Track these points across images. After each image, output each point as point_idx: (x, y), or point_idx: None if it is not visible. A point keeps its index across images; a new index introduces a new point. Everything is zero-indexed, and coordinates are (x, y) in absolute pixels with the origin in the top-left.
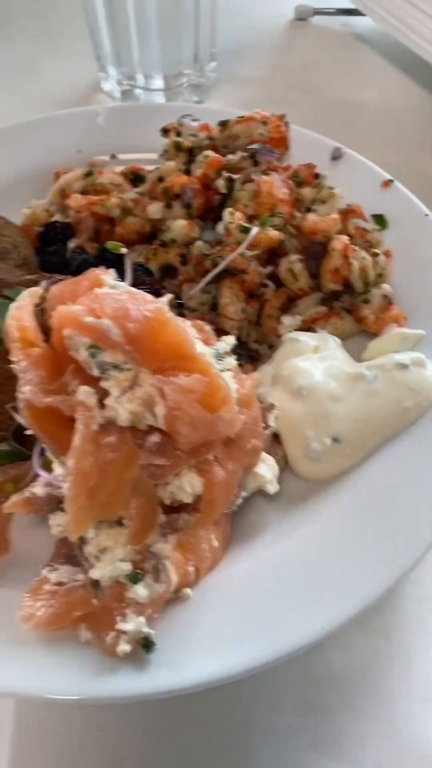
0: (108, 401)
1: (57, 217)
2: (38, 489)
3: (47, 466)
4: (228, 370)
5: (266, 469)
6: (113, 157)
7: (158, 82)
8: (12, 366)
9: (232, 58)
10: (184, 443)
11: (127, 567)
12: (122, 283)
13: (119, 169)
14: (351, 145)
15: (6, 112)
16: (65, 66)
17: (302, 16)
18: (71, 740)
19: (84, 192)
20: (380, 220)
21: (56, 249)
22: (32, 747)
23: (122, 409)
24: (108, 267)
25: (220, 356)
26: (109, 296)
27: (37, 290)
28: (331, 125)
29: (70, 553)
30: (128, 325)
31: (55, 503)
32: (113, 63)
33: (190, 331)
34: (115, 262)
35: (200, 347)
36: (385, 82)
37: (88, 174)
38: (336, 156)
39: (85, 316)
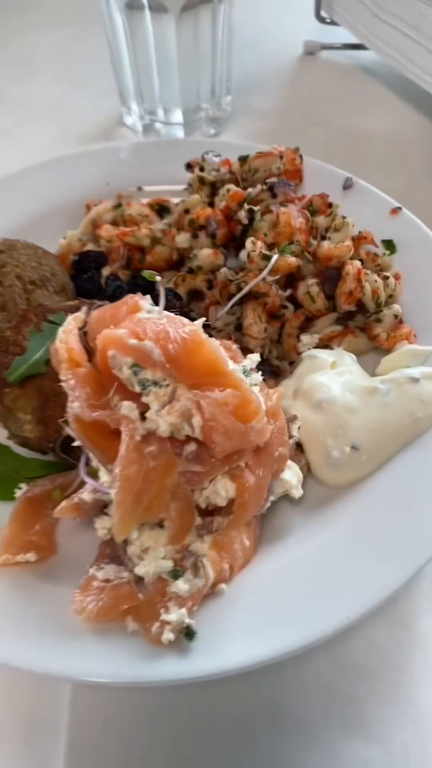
0: (149, 414)
1: (89, 246)
2: (86, 495)
3: (93, 474)
4: (255, 385)
5: (291, 475)
6: (139, 189)
7: (177, 116)
8: (60, 384)
9: (247, 91)
10: (219, 451)
11: (168, 564)
12: (156, 307)
13: (145, 200)
14: (360, 174)
15: (34, 146)
16: (89, 102)
17: (311, 51)
18: (122, 724)
19: (114, 222)
20: (390, 245)
21: (91, 276)
22: (87, 733)
23: (162, 421)
24: (141, 292)
25: (246, 372)
26: (150, 320)
27: (79, 315)
28: (340, 154)
29: (114, 553)
30: (168, 346)
31: (99, 508)
32: (135, 99)
33: (221, 351)
34: (146, 288)
35: (231, 365)
36: (390, 112)
37: (117, 206)
38: (347, 186)
39: (129, 339)
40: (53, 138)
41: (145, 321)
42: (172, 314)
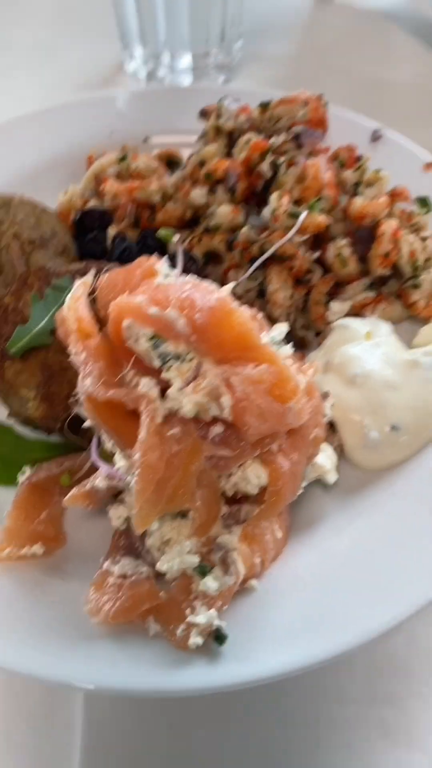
0: (170, 392)
1: (92, 203)
2: (99, 482)
3: (105, 458)
4: (285, 358)
5: (325, 458)
6: (146, 140)
7: (184, 62)
8: (68, 357)
9: (258, 37)
10: (251, 434)
11: (194, 559)
12: (173, 271)
13: (152, 152)
14: (385, 126)
15: (25, 95)
16: (86, 47)
17: None
18: (140, 736)
19: (119, 176)
20: (424, 202)
21: (95, 236)
22: (102, 745)
23: (186, 400)
24: (151, 254)
25: (275, 344)
26: (172, 286)
27: (87, 279)
28: (363, 105)
29: (130, 545)
30: (194, 316)
31: (113, 495)
32: (139, 43)
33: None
34: (158, 249)
35: (264, 337)
36: (416, 59)
37: (122, 158)
38: (375, 137)
39: (149, 307)
40: (46, 86)
41: (167, 287)
42: (195, 279)
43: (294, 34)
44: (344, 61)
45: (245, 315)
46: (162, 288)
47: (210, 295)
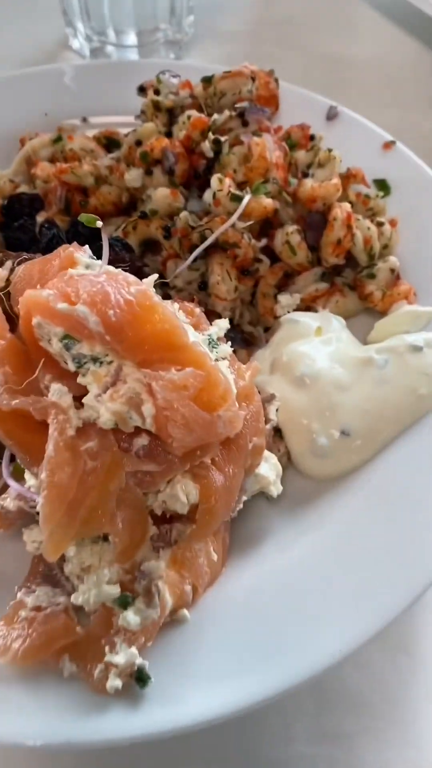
0: (86, 400)
1: (23, 189)
2: (8, 502)
3: (18, 475)
4: (223, 358)
5: (268, 468)
6: (84, 120)
7: (131, 38)
8: None
9: (211, 11)
10: (177, 447)
11: (114, 590)
12: (98, 261)
13: (92, 133)
14: (344, 105)
15: None
16: (28, 22)
17: None
18: None
19: (53, 160)
20: (383, 185)
21: (23, 224)
22: None
23: (104, 409)
24: (82, 243)
25: (213, 343)
26: (85, 278)
27: (1, 273)
28: (321, 83)
29: (48, 571)
30: (108, 312)
31: (29, 516)
32: (81, 17)
33: (179, 316)
34: (90, 237)
35: (192, 335)
36: (377, 35)
37: (57, 139)
38: (331, 115)
39: (56, 302)
40: None
41: (79, 278)
42: (113, 270)
43: (249, 7)
44: (303, 36)
45: (167, 311)
46: (73, 280)
47: (127, 287)
